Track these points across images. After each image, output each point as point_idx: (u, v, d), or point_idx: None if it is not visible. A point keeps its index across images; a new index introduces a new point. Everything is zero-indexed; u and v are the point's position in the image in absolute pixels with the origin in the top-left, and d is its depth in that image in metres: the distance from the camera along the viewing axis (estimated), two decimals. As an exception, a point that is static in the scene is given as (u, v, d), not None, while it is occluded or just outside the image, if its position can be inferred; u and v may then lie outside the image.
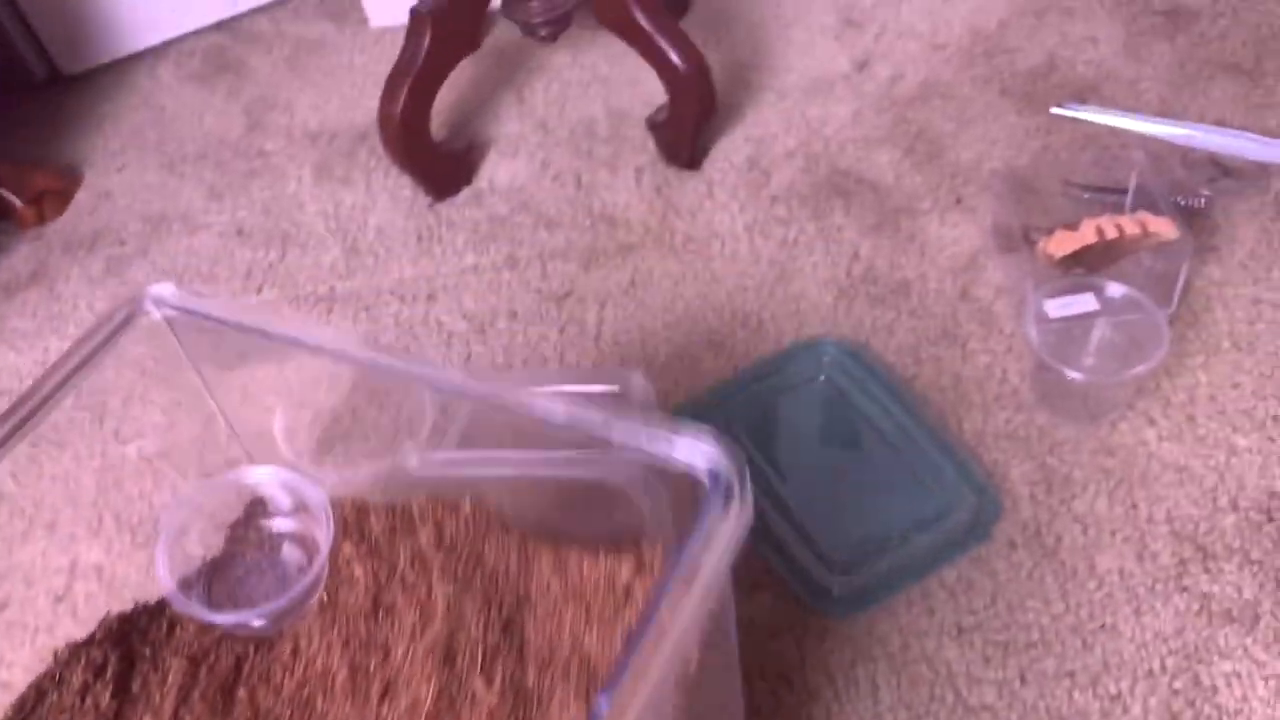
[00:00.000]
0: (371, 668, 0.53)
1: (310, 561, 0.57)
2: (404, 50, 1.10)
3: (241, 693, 0.54)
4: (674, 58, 1.08)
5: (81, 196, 1.26)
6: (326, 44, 1.42)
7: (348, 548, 0.58)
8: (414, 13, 1.08)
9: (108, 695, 0.55)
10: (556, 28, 1.20)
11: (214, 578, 0.61)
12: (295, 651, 0.55)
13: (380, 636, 0.54)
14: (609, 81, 1.29)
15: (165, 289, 0.57)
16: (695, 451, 0.45)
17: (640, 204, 1.14)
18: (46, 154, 1.32)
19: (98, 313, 1.12)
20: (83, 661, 0.56)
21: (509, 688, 0.51)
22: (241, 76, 1.39)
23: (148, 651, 0.57)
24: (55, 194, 1.23)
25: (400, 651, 0.53)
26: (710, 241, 1.09)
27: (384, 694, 0.52)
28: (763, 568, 0.82)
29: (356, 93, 1.34)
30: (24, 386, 1.07)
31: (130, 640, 0.58)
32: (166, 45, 1.45)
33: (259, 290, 1.12)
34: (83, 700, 0.54)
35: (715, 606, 0.45)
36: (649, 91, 1.24)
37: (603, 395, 0.72)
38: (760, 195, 1.12)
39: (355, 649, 0.54)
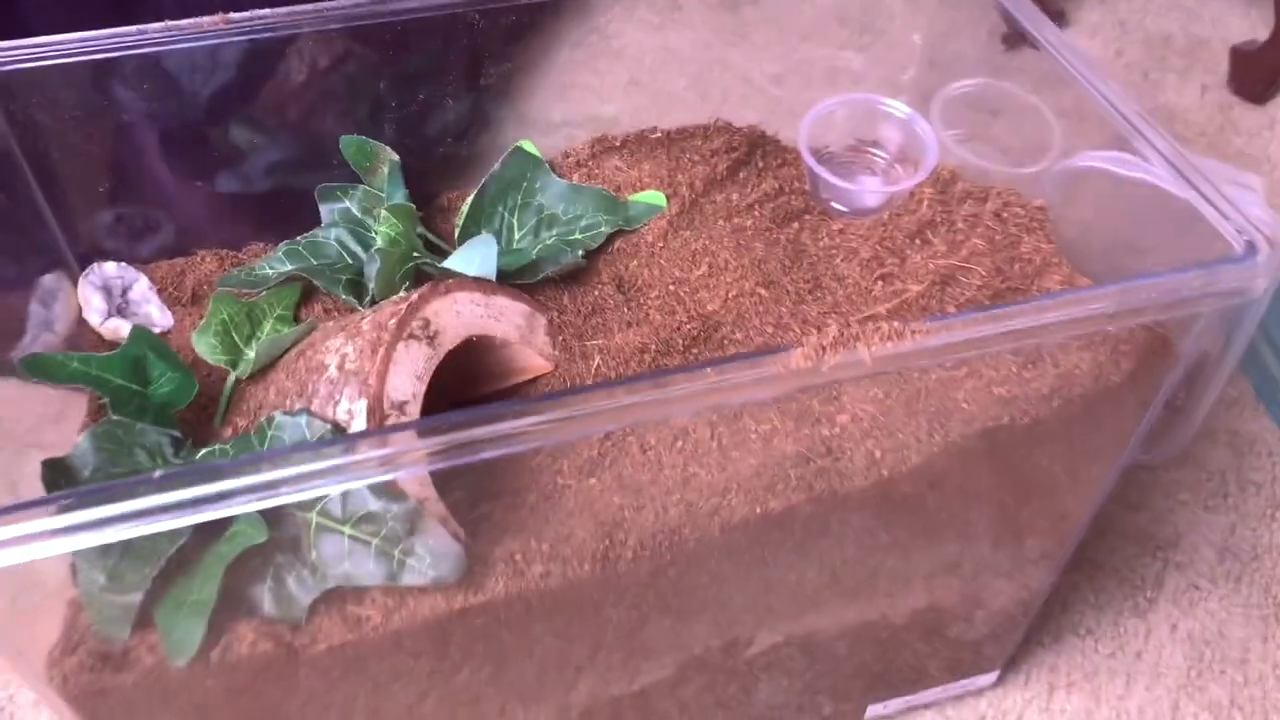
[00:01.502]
0: (886, 262, 0.64)
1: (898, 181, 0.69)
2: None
3: (795, 226, 0.67)
4: (1304, -9, 1.16)
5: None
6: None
7: (929, 191, 0.67)
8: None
9: (727, 163, 0.69)
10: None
11: (832, 160, 0.74)
12: (842, 230, 0.67)
13: (906, 252, 0.64)
14: (1190, 11, 1.37)
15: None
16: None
17: (1200, 113, 1.22)
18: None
19: None
20: (729, 134, 0.72)
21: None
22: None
23: (765, 155, 0.72)
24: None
25: (912, 264, 0.62)
26: (1261, 164, 1.16)
27: (881, 279, 0.62)
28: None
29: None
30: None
31: (763, 142, 0.73)
32: None
33: None
34: (713, 155, 0.70)
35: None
36: (1226, 27, 1.32)
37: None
38: (1319, 146, 1.19)
39: (884, 248, 0.64)
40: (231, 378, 0.59)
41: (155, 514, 0.40)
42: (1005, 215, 0.62)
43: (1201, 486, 0.87)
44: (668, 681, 0.61)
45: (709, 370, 0.42)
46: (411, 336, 0.56)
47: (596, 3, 1.17)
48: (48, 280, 0.62)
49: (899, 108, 0.71)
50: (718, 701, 0.69)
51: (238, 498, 0.41)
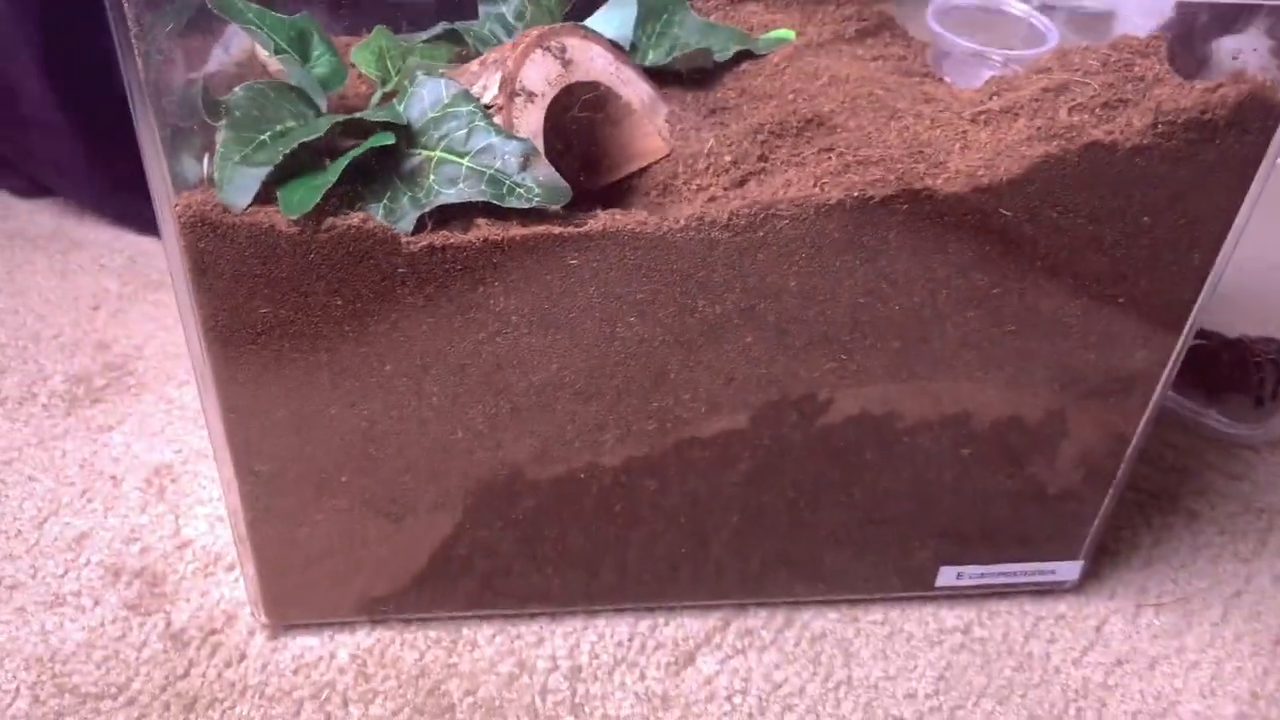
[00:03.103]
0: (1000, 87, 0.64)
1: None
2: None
3: (916, 79, 0.69)
4: None
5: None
6: None
7: None
8: None
9: (856, 27, 0.73)
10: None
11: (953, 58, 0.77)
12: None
13: (1021, 83, 0.63)
14: None
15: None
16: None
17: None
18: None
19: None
20: (862, 5, 0.74)
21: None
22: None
23: (892, 34, 0.74)
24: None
25: (1027, 83, 0.63)
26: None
27: (995, 94, 0.63)
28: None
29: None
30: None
31: (892, 25, 0.75)
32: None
33: None
34: (845, 20, 0.74)
35: None
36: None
37: None
38: None
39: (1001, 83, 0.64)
40: (379, 92, 0.64)
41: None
42: (1120, 44, 0.65)
43: (1312, 472, 0.84)
44: (739, 439, 0.60)
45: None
46: (548, 50, 0.60)
47: None
48: (231, 28, 0.69)
49: (1018, 5, 0.76)
50: (781, 558, 0.67)
51: None
